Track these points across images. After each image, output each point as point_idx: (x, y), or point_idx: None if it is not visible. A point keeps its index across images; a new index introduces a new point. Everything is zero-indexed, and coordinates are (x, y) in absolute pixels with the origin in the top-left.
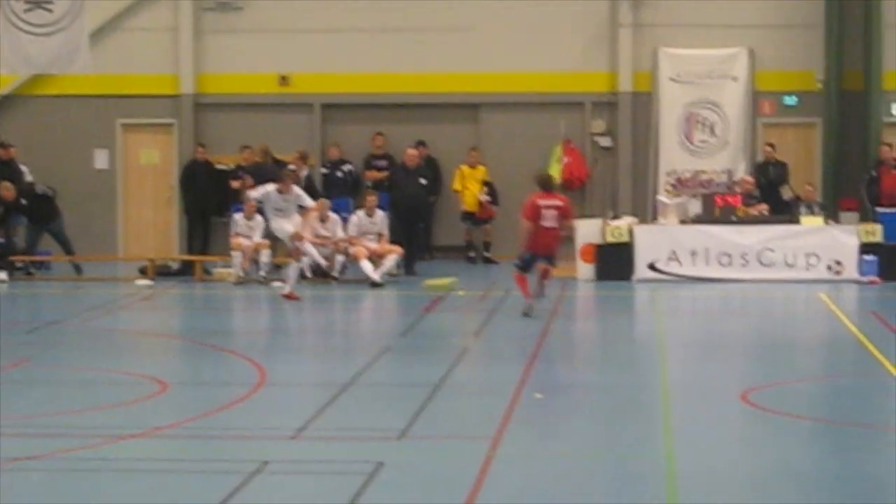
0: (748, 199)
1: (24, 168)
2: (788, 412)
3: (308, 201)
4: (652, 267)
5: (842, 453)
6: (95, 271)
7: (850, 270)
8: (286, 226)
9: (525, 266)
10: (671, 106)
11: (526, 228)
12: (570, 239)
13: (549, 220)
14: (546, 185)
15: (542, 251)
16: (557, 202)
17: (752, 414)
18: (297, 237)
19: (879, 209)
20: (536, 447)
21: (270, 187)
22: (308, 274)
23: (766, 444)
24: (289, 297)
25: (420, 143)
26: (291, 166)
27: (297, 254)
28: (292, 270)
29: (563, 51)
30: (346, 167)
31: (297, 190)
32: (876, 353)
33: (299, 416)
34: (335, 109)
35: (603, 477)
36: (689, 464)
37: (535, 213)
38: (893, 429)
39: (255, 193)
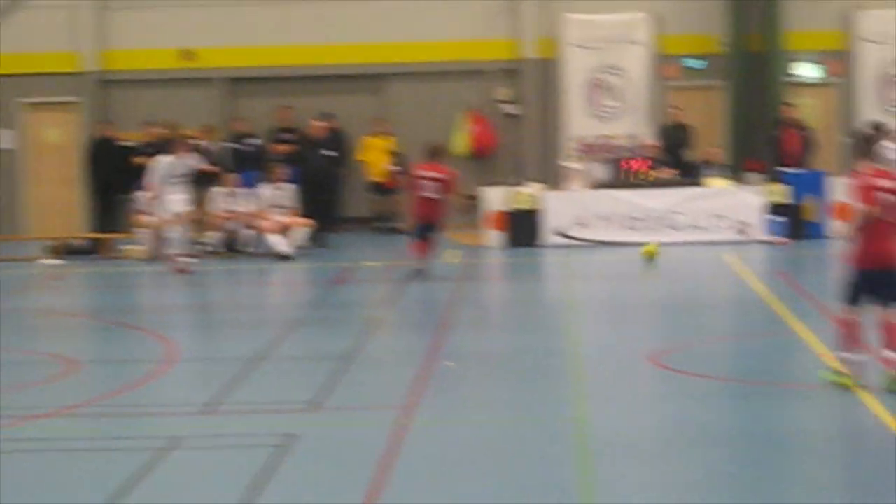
0: (654, 162)
1: None
2: (698, 372)
3: (204, 164)
4: (560, 233)
5: (751, 411)
6: (1, 251)
7: (758, 231)
8: (174, 200)
9: (416, 236)
10: (576, 72)
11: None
12: (472, 208)
13: (428, 190)
14: (430, 154)
15: (424, 220)
16: (437, 174)
17: (663, 375)
18: (179, 219)
19: (783, 170)
20: (450, 415)
21: (167, 159)
22: (220, 249)
23: (677, 404)
24: (180, 270)
25: (326, 115)
26: (201, 141)
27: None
28: (176, 242)
29: (466, 19)
30: (253, 141)
31: (193, 156)
32: (783, 312)
33: (210, 391)
34: (241, 83)
35: (517, 442)
36: (601, 426)
37: (414, 184)
38: (801, 386)
39: (155, 177)
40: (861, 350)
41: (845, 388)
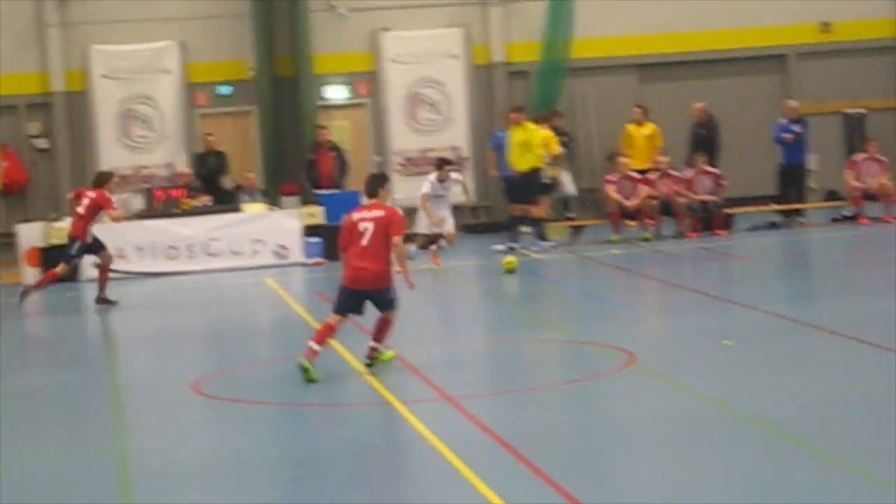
0: (190, 190)
1: None
2: (240, 398)
3: None
4: None
5: (293, 434)
6: None
7: (296, 253)
8: None
9: None
10: (107, 103)
11: None
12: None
13: None
14: None
15: None
16: None
17: (206, 403)
18: None
19: (319, 191)
20: None
21: None
22: None
23: (220, 431)
24: None
25: None
26: None
27: None
28: None
29: None
30: None
31: None
32: None
33: None
34: None
35: (56, 482)
36: (143, 460)
37: None
38: (342, 405)
39: None
40: (324, 347)
41: (309, 375)
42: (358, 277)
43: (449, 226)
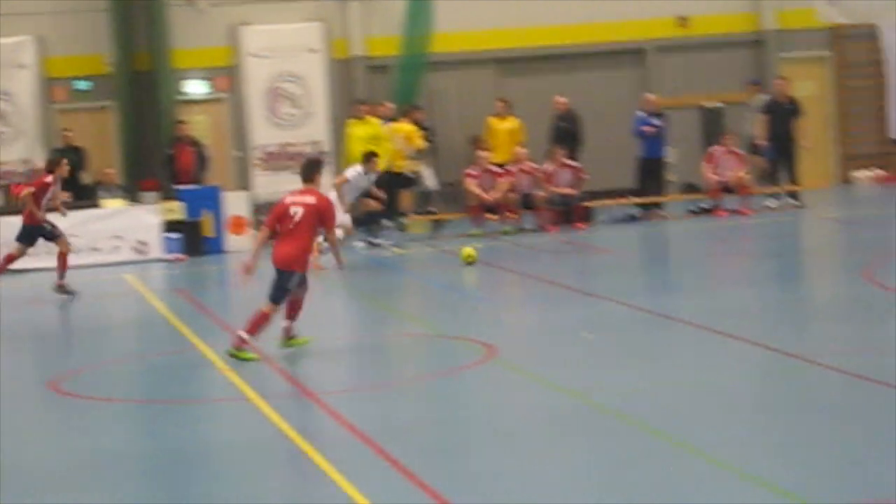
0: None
1: None
2: (99, 395)
3: None
4: None
5: (157, 431)
6: None
7: (156, 249)
8: None
9: None
10: None
11: None
12: None
13: None
14: None
15: None
16: None
17: (63, 401)
18: None
19: (178, 187)
20: None
21: None
22: None
23: (80, 430)
24: None
25: None
26: None
27: None
28: None
29: None
30: None
31: None
32: (182, 328)
33: None
34: None
35: None
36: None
37: None
38: (204, 402)
39: None
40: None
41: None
42: (276, 257)
43: (347, 219)
